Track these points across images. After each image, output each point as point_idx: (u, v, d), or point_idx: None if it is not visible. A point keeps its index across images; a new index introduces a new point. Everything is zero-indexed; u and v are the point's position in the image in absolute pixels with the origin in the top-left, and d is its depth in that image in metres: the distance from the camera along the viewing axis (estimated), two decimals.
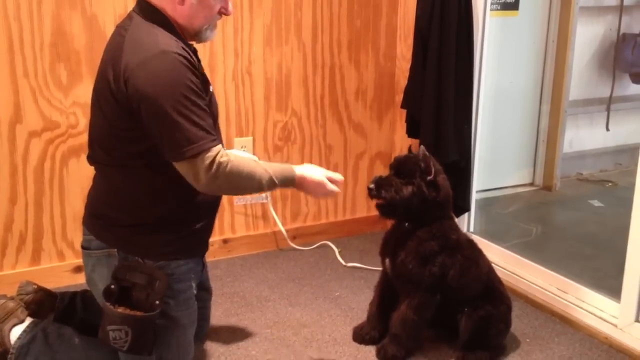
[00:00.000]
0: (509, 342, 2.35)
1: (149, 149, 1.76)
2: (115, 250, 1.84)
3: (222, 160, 1.73)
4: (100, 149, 1.84)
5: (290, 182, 1.90)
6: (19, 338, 1.92)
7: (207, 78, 1.88)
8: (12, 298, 2.02)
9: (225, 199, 2.97)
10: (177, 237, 1.87)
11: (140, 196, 1.82)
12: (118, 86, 1.71)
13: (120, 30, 1.81)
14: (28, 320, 1.97)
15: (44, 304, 2.08)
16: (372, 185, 2.12)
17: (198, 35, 1.88)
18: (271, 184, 1.85)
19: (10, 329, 1.93)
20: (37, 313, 2.05)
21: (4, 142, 2.51)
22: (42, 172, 2.59)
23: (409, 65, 2.91)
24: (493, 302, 2.22)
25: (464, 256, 2.18)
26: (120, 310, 1.76)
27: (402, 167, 2.13)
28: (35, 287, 2.10)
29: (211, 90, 1.89)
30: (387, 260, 2.24)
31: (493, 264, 2.83)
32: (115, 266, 1.82)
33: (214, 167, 1.71)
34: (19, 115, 2.51)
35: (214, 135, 1.75)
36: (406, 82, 2.92)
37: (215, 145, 1.73)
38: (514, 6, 3.26)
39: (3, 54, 2.44)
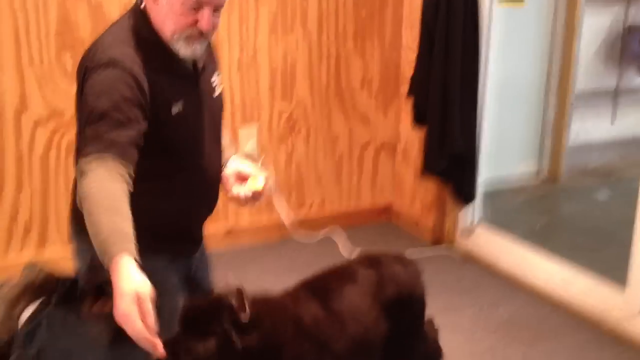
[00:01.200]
0: (515, 332, 2.35)
1: None
2: (87, 242, 1.80)
3: (86, 168, 1.49)
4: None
5: (104, 254, 1.41)
6: (24, 325, 1.93)
7: (172, 98, 1.70)
8: (18, 284, 2.03)
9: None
10: (144, 236, 1.79)
11: None
12: (78, 91, 1.69)
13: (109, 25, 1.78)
14: (36, 304, 1.97)
15: (47, 285, 2.07)
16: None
17: (171, 45, 1.67)
18: (93, 233, 1.44)
19: (20, 314, 1.94)
20: (41, 293, 2.05)
21: (10, 131, 2.51)
22: (47, 161, 2.59)
23: (414, 55, 2.90)
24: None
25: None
26: (94, 309, 1.74)
27: (196, 319, 1.48)
28: (39, 268, 2.11)
29: (176, 112, 1.68)
30: None
31: (498, 256, 2.85)
32: (85, 259, 1.80)
33: (79, 172, 1.52)
34: (25, 104, 2.51)
35: (101, 144, 1.53)
36: (412, 71, 2.91)
37: (89, 153, 1.50)
38: None
39: (9, 43, 2.44)
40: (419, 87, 2.87)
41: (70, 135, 2.60)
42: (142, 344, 1.35)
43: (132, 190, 1.55)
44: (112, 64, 1.59)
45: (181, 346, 1.43)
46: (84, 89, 1.63)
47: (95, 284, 1.73)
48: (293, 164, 3.10)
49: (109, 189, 1.49)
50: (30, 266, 2.11)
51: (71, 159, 2.59)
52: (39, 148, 2.57)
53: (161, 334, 1.62)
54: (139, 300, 1.36)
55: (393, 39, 3.17)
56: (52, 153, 2.59)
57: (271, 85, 2.96)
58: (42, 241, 2.64)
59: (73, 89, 2.49)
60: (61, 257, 2.66)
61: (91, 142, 1.53)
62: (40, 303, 2.01)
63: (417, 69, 2.89)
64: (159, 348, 1.35)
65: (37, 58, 2.49)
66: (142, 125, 1.61)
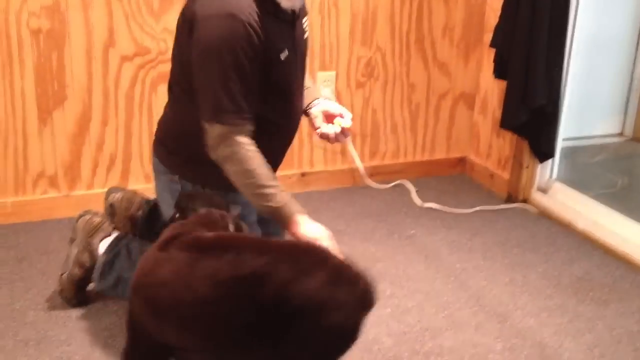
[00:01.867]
0: (587, 290, 2.32)
1: None
2: (177, 176, 1.87)
3: (234, 140, 1.69)
4: (175, 83, 1.88)
5: (281, 218, 1.73)
6: (104, 253, 2.01)
7: (281, 44, 1.78)
8: (96, 213, 2.11)
9: (305, 132, 2.98)
10: None
11: (198, 133, 1.80)
12: (184, 31, 1.74)
13: None
14: (115, 234, 2.06)
15: (133, 202, 2.14)
16: None
17: None
18: (261, 197, 1.72)
19: (100, 242, 2.03)
20: (127, 209, 2.12)
21: (98, 64, 2.59)
22: (132, 96, 2.67)
23: (500, 3, 2.81)
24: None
25: None
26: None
27: None
28: (124, 187, 2.20)
29: (283, 57, 1.78)
30: None
31: (575, 214, 2.79)
32: (177, 192, 1.86)
33: (223, 140, 1.70)
34: (112, 39, 2.58)
35: (244, 113, 1.71)
36: (497, 20, 2.83)
37: (236, 121, 1.70)
38: None
39: None
40: (504, 37, 2.79)
41: (154, 72, 2.66)
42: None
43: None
44: (229, 16, 1.65)
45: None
46: (197, 38, 1.68)
47: (185, 212, 1.79)
48: (369, 111, 3.09)
49: (263, 165, 1.74)
50: (115, 188, 2.20)
51: (154, 96, 2.68)
52: (124, 83, 2.64)
53: None
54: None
55: None
56: (137, 89, 2.66)
57: (351, 29, 2.94)
58: (125, 174, 2.75)
59: (159, 26, 2.61)
60: (143, 189, 2.77)
61: (227, 102, 1.68)
62: (125, 220, 2.10)
63: (502, 18, 2.81)
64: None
65: None
66: (256, 80, 1.73)
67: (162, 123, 2.00)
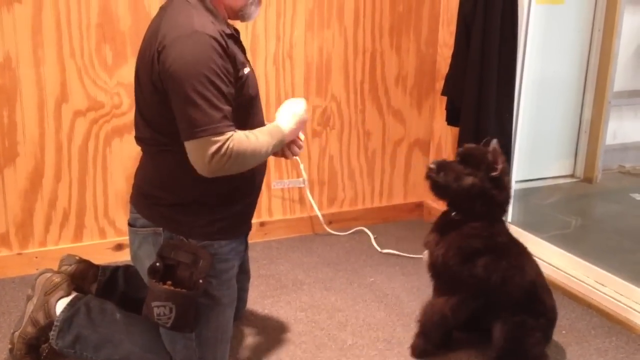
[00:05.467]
0: None
1: None
2: (161, 228, 1.87)
3: (230, 145, 1.71)
4: (147, 128, 1.87)
5: (282, 142, 1.94)
6: (62, 311, 1.96)
7: (242, 60, 1.86)
8: (57, 272, 2.07)
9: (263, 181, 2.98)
10: (219, 217, 1.90)
11: (182, 177, 1.84)
12: (153, 65, 1.74)
13: (161, 10, 1.85)
14: (73, 294, 2.02)
15: (86, 275, 2.12)
16: (432, 166, 2.06)
17: (242, 11, 1.88)
18: (268, 154, 1.89)
19: (57, 302, 1.98)
20: (81, 283, 2.10)
21: (50, 120, 2.56)
22: (86, 151, 2.64)
23: (450, 52, 2.89)
24: (532, 312, 2.07)
25: (509, 263, 2.05)
26: (165, 287, 1.78)
27: (469, 157, 2.05)
28: (78, 258, 2.16)
29: (246, 72, 1.86)
30: (425, 252, 2.18)
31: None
32: (160, 244, 1.85)
33: (222, 151, 1.69)
34: (65, 95, 2.56)
35: (229, 122, 1.73)
36: (448, 68, 2.90)
37: (227, 132, 1.71)
38: None
39: (51, 33, 2.49)
40: (454, 86, 2.85)
41: (108, 126, 2.65)
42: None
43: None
44: (195, 33, 1.71)
45: (448, 166, 2.07)
46: (166, 62, 1.70)
47: (167, 262, 1.79)
48: (326, 159, 3.11)
49: (251, 136, 1.81)
50: (68, 257, 2.16)
51: (109, 150, 2.66)
52: (78, 138, 2.62)
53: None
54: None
55: (429, 36, 3.16)
56: (91, 143, 2.64)
57: (306, 79, 2.97)
58: (79, 230, 2.70)
59: (113, 80, 2.60)
60: (98, 244, 2.73)
61: (213, 114, 1.69)
62: (79, 291, 2.06)
63: (452, 67, 2.88)
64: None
65: (78, 49, 2.54)
66: (232, 87, 1.78)
67: (142, 176, 1.96)
